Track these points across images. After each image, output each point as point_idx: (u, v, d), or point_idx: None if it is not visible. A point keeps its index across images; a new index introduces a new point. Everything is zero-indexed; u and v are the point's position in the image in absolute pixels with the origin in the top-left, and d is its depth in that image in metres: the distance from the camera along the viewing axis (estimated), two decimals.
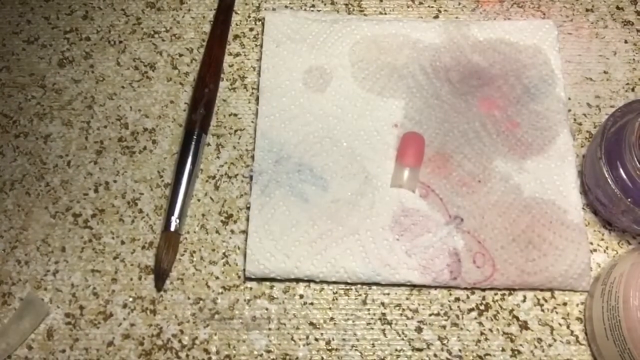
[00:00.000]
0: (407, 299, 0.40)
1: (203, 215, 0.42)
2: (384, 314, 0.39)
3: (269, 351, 0.38)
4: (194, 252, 0.41)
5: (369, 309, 0.39)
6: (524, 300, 0.39)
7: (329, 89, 0.44)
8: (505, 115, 0.43)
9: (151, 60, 0.47)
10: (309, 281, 0.40)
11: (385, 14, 0.48)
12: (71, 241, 0.41)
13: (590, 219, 0.42)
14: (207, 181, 0.43)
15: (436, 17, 0.48)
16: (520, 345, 0.38)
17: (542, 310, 0.39)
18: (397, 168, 0.42)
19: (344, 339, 0.39)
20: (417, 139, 0.42)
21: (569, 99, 0.45)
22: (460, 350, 0.38)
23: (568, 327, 0.39)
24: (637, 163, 0.36)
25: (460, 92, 0.44)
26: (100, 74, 0.46)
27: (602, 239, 0.41)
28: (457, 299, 0.40)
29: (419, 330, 0.39)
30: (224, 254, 0.41)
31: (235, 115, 0.45)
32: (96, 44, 0.47)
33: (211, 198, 0.42)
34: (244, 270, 0.40)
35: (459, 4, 0.48)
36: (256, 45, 0.47)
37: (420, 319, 0.39)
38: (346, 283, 0.40)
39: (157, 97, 0.45)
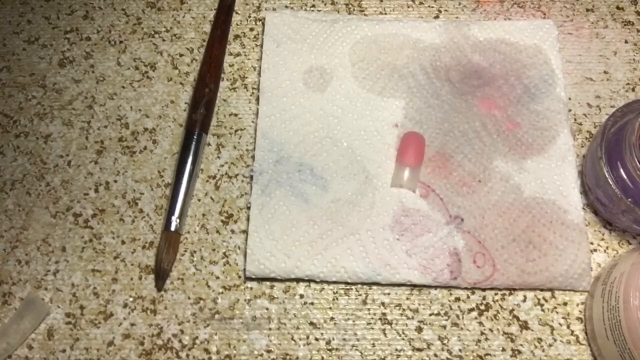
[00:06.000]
0: (407, 298, 0.40)
1: (203, 215, 0.42)
2: (384, 314, 0.39)
3: (269, 351, 0.38)
4: (195, 252, 0.41)
5: (369, 309, 0.39)
6: (524, 300, 0.39)
7: (329, 89, 0.44)
8: (506, 115, 0.43)
9: (151, 60, 0.47)
10: (309, 281, 0.40)
11: (386, 14, 0.48)
12: (71, 241, 0.41)
13: (591, 219, 0.42)
14: (207, 181, 0.43)
15: (436, 17, 0.48)
16: (521, 345, 0.38)
17: (543, 310, 0.39)
18: (397, 168, 0.42)
19: (344, 339, 0.39)
20: (418, 138, 0.42)
21: (569, 99, 0.45)
22: (460, 350, 0.38)
23: (568, 327, 0.39)
24: (638, 163, 0.36)
25: (461, 92, 0.44)
26: (100, 74, 0.46)
27: (603, 239, 0.41)
28: (458, 299, 0.40)
29: (419, 330, 0.39)
30: (224, 253, 0.41)
31: (236, 115, 0.45)
32: (97, 44, 0.47)
33: (211, 198, 0.42)
34: (245, 270, 0.40)
35: (459, 4, 0.48)
36: (256, 45, 0.47)
37: (421, 319, 0.39)
38: (346, 283, 0.40)
39: (157, 97, 0.45)
